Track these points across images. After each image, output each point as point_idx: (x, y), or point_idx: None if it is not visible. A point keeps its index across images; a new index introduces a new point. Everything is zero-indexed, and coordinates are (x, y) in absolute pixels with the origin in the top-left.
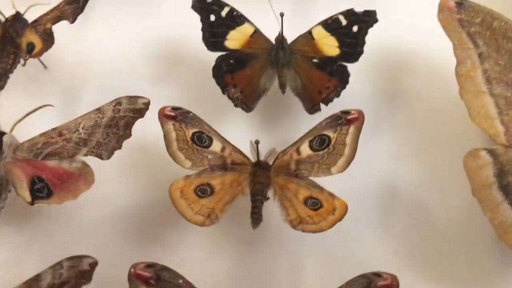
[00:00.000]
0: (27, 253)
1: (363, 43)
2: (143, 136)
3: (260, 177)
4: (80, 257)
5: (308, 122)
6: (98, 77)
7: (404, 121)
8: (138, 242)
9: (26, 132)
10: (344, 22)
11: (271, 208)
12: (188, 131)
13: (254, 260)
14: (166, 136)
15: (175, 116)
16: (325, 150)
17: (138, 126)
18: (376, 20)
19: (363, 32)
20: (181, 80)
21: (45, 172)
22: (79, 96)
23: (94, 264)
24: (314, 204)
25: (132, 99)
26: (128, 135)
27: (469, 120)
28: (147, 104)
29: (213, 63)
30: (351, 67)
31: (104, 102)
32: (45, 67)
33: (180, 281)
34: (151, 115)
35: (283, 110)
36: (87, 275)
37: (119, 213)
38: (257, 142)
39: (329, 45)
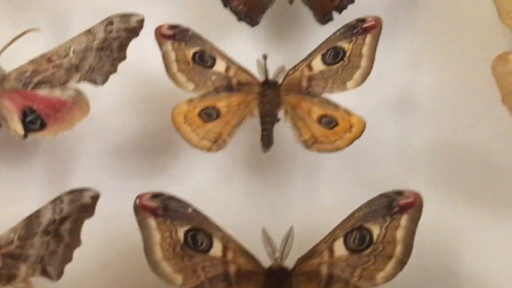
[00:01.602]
0: (26, 191)
1: None
2: (140, 60)
3: (269, 96)
4: (81, 190)
5: (319, 34)
6: None
7: (424, 28)
8: (143, 173)
9: (14, 62)
10: None
11: (283, 129)
12: (188, 51)
13: (266, 186)
14: (164, 58)
15: (174, 34)
16: (340, 64)
17: (134, 49)
18: None
19: None
20: None
21: (37, 102)
22: (69, 20)
23: (96, 197)
24: (329, 122)
25: (124, 17)
26: (123, 57)
27: (498, 22)
28: (141, 22)
29: None
30: None
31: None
32: None
33: (189, 209)
34: (148, 37)
35: (292, 23)
36: (89, 208)
37: (121, 144)
38: (264, 57)
39: None
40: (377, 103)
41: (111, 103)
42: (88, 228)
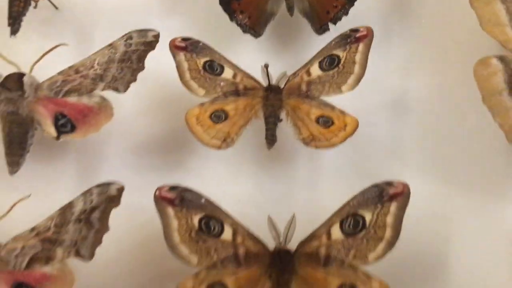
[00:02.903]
0: (58, 186)
1: None
2: (156, 70)
3: (272, 100)
4: (108, 184)
5: (317, 44)
6: (108, 14)
7: (415, 36)
8: (161, 169)
9: (44, 73)
10: None
11: (285, 129)
12: (199, 60)
13: (271, 179)
14: (178, 67)
15: (186, 46)
16: (335, 70)
17: (151, 60)
18: None
19: None
20: (190, 12)
21: (67, 108)
22: (92, 34)
23: (121, 189)
24: (325, 122)
25: (142, 32)
26: (142, 67)
27: (480, 30)
28: (157, 37)
29: None
30: None
31: (116, 38)
32: (56, 8)
33: (203, 200)
34: (163, 49)
35: (292, 34)
36: (115, 199)
37: (142, 144)
38: (266, 66)
39: None
40: (373, 104)
41: (132, 108)
42: (115, 217)
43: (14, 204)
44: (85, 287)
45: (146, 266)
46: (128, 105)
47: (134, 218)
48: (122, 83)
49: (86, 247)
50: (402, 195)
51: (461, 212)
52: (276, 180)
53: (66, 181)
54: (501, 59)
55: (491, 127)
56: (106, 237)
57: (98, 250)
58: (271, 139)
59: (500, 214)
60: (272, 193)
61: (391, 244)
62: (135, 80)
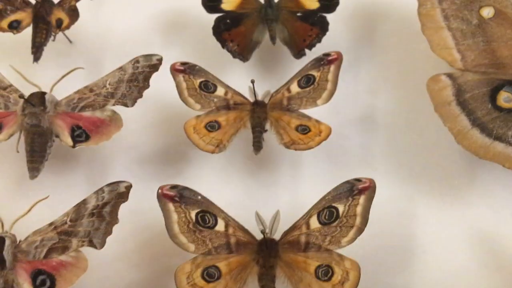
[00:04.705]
0: (72, 191)
1: None
2: (158, 91)
3: (258, 112)
4: (117, 182)
5: (296, 66)
6: (115, 47)
7: (379, 60)
8: (162, 177)
9: (62, 94)
10: None
11: (269, 141)
12: (196, 81)
13: (258, 181)
14: (177, 86)
15: (184, 69)
16: (311, 87)
17: (154, 84)
18: None
19: None
20: (187, 43)
21: (82, 121)
22: (101, 64)
23: (129, 187)
24: (303, 129)
25: (148, 56)
26: (147, 86)
27: (432, 53)
28: (160, 60)
29: (212, 24)
30: (331, 17)
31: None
32: (70, 42)
33: (199, 197)
34: (164, 75)
35: (275, 59)
36: (124, 195)
37: (145, 154)
38: (252, 81)
39: (310, 0)
40: (345, 119)
41: (136, 124)
42: (122, 218)
43: (34, 204)
44: (96, 279)
45: (148, 262)
46: (133, 121)
47: (138, 221)
48: (130, 99)
49: (98, 237)
50: (369, 189)
51: (423, 211)
52: (262, 181)
53: (78, 187)
54: (449, 76)
55: (447, 136)
56: (113, 237)
57: (107, 248)
58: (258, 145)
59: (460, 212)
60: (259, 193)
61: (361, 230)
62: (141, 96)
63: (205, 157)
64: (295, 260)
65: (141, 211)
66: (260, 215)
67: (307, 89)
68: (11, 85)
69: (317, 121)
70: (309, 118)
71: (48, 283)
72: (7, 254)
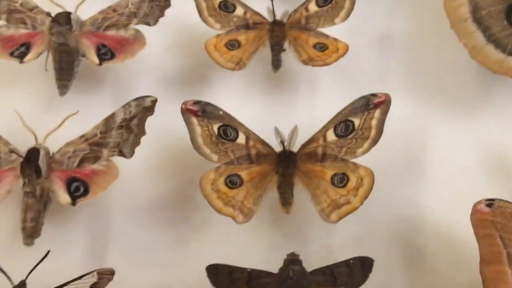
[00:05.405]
0: (100, 104)
1: None
2: (179, 14)
3: (277, 31)
4: (144, 97)
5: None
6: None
7: None
8: (184, 97)
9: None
10: None
11: (286, 59)
12: (215, 0)
13: (277, 102)
14: (197, 6)
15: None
16: (329, 5)
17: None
18: None
19: None
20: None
21: (107, 40)
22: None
23: (155, 101)
24: (321, 47)
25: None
26: (168, 5)
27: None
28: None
29: None
30: None
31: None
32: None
33: (221, 112)
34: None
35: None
36: (150, 109)
37: (167, 77)
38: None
39: None
40: (362, 39)
41: (158, 45)
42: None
43: (66, 118)
44: (127, 192)
45: (174, 176)
46: (155, 45)
47: (163, 137)
48: (152, 18)
49: (127, 147)
50: (384, 103)
51: (437, 128)
52: (280, 102)
53: (104, 106)
54: None
55: (462, 55)
56: (140, 153)
57: (136, 163)
58: (276, 63)
59: (471, 128)
60: (277, 114)
61: (375, 141)
62: (163, 15)
63: (225, 78)
64: (312, 169)
65: (164, 129)
66: (279, 130)
67: (325, 8)
68: (37, 6)
69: (334, 39)
70: (326, 36)
71: (81, 189)
72: (42, 163)
